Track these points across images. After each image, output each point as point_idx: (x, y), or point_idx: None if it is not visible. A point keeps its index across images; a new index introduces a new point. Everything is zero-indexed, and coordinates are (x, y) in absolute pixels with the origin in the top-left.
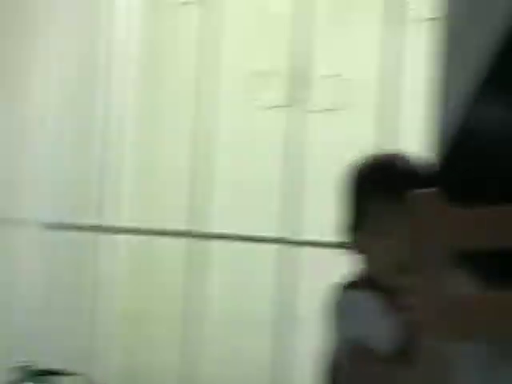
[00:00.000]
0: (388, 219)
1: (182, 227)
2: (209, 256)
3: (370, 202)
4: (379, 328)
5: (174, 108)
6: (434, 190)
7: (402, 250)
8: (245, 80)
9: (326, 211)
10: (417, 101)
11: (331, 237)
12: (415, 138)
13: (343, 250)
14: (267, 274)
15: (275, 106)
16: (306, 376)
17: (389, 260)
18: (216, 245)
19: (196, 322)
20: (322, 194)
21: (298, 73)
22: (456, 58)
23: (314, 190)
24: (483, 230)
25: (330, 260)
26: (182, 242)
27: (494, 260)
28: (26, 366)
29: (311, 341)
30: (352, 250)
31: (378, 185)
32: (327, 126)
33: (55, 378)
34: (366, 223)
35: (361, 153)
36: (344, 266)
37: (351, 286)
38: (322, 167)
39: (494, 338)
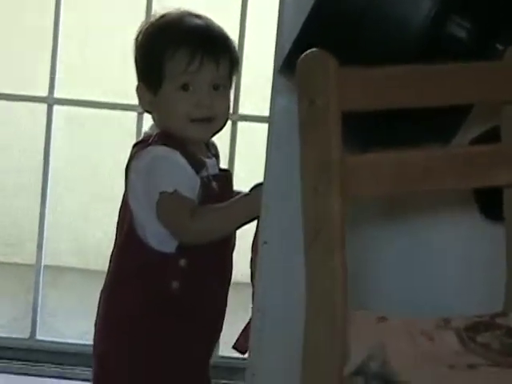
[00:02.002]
0: (183, 73)
1: None
2: None
3: (164, 58)
4: (188, 178)
5: None
6: (323, 50)
7: (200, 102)
8: None
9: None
10: None
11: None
12: None
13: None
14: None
15: None
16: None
17: (184, 112)
18: None
19: None
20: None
21: None
22: None
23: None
24: (377, 91)
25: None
26: None
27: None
28: None
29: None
30: (147, 108)
31: (172, 40)
32: None
33: None
34: (161, 80)
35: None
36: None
37: (152, 143)
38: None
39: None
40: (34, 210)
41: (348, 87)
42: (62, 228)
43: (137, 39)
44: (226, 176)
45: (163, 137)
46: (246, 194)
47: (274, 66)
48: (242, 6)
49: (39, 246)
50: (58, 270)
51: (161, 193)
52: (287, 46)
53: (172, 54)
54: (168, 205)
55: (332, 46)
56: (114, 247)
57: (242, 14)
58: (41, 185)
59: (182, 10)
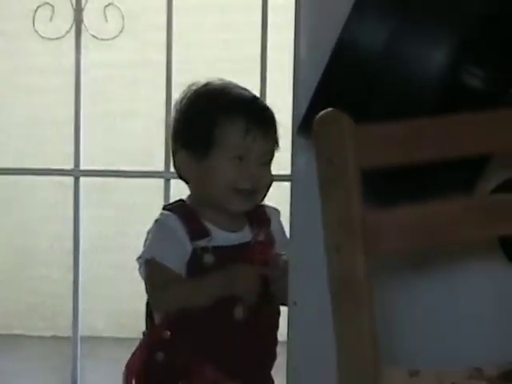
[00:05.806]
0: (238, 144)
1: None
2: None
3: (214, 126)
4: (178, 245)
5: None
6: (337, 110)
7: (249, 174)
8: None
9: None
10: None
11: None
12: None
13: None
14: None
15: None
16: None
17: (231, 181)
18: None
19: None
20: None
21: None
22: None
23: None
24: (394, 147)
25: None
26: None
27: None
28: None
29: None
30: (187, 175)
31: (222, 109)
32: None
33: None
34: (209, 148)
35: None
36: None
37: (170, 209)
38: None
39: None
40: (66, 282)
41: (365, 145)
42: (96, 298)
43: (180, 106)
44: (240, 250)
45: (178, 202)
46: (226, 269)
47: (293, 127)
48: (262, 70)
49: (74, 318)
50: (95, 341)
51: (137, 258)
52: (304, 107)
53: (224, 123)
54: (145, 272)
55: (348, 104)
56: None
57: (261, 75)
58: (72, 256)
59: (223, 80)
